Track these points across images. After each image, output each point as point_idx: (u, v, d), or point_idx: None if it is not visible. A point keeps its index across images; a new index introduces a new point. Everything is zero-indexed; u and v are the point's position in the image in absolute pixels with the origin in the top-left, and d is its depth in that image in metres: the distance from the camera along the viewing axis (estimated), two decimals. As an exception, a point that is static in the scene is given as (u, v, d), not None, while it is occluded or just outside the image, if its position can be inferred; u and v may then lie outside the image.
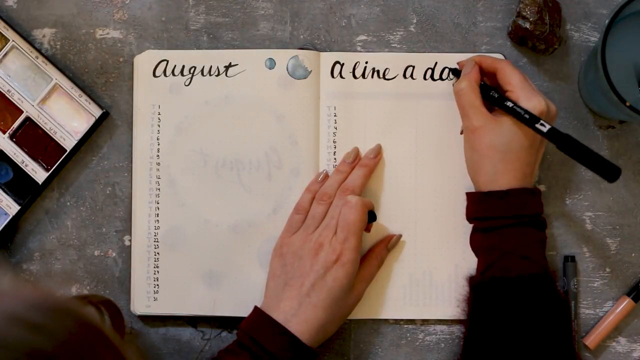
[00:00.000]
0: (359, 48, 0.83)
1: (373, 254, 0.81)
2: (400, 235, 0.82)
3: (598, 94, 0.78)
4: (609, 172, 0.72)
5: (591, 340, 0.82)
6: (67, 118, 0.83)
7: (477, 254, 0.78)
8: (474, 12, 0.83)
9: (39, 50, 0.82)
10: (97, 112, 0.82)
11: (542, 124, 0.73)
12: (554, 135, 0.73)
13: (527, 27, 0.80)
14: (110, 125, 0.84)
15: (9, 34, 0.82)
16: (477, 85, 0.77)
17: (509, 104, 0.74)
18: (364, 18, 0.83)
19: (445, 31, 0.83)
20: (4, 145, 0.82)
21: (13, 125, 0.82)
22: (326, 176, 0.81)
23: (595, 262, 0.83)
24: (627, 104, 0.71)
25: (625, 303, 0.81)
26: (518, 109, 0.74)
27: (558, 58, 0.83)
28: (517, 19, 0.80)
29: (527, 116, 0.73)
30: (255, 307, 0.78)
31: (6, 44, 0.82)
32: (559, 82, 0.83)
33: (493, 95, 0.76)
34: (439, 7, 0.83)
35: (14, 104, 0.82)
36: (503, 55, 0.82)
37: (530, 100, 0.74)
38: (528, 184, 0.76)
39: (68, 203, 0.84)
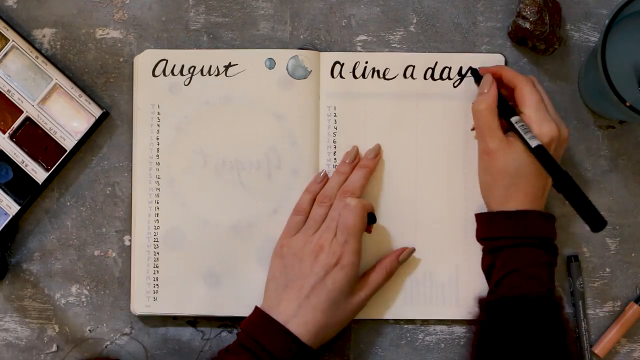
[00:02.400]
0: (359, 48, 0.83)
1: (382, 264, 0.80)
2: (414, 249, 0.81)
3: (598, 94, 0.79)
4: (595, 221, 0.71)
5: (600, 349, 0.82)
6: (67, 118, 0.83)
7: (487, 276, 0.77)
8: (474, 12, 0.83)
9: (39, 50, 0.82)
10: (97, 112, 0.82)
11: (544, 157, 0.73)
12: (553, 170, 0.72)
13: (527, 27, 0.80)
14: (110, 125, 0.84)
15: (9, 34, 0.82)
16: (495, 105, 0.76)
17: (520, 129, 0.74)
18: (364, 18, 0.83)
19: (445, 31, 0.83)
20: (4, 145, 0.82)
21: (13, 125, 0.82)
22: (325, 177, 0.81)
23: (595, 262, 0.83)
24: (627, 104, 0.71)
25: (633, 310, 0.81)
26: (526, 137, 0.74)
27: (558, 58, 0.83)
28: (517, 19, 0.80)
29: (533, 145, 0.73)
30: (256, 308, 0.78)
31: (6, 44, 0.82)
32: (559, 82, 0.83)
33: (508, 118, 0.76)
34: (439, 7, 0.83)
35: (14, 104, 0.82)
36: (503, 55, 0.82)
37: (542, 126, 0.74)
38: (539, 207, 0.76)
39: (68, 203, 0.84)
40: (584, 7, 0.83)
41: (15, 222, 0.83)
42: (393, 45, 0.83)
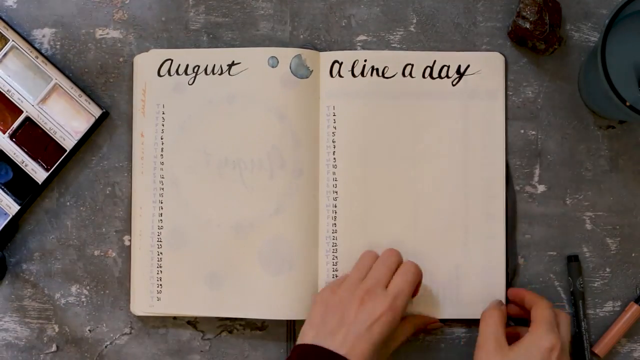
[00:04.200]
0: (359, 48, 0.83)
1: (414, 321, 0.80)
2: (442, 325, 0.82)
3: (598, 94, 0.79)
4: None
5: (600, 349, 0.82)
6: (67, 118, 0.83)
7: None
8: (474, 12, 0.83)
9: (39, 50, 0.82)
10: (97, 112, 0.82)
11: None
12: None
13: (527, 27, 0.80)
14: (110, 125, 0.84)
15: (9, 34, 0.82)
16: (505, 319, 0.78)
17: None
18: (364, 18, 0.83)
19: (445, 31, 0.83)
20: (4, 145, 0.82)
21: (13, 125, 0.82)
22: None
23: (595, 262, 0.83)
24: (627, 104, 0.71)
25: (634, 310, 0.81)
26: None
27: (558, 58, 0.83)
28: (517, 19, 0.80)
29: None
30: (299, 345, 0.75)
31: (6, 44, 0.82)
32: (559, 82, 0.83)
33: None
34: (439, 7, 0.83)
35: (14, 104, 0.82)
36: (503, 55, 0.82)
37: (548, 334, 0.74)
38: None
39: (68, 203, 0.84)
40: (584, 7, 0.83)
41: (15, 222, 0.83)
42: (393, 45, 0.83)
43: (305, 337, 0.75)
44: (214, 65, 0.82)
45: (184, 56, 0.82)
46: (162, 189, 0.82)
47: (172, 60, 0.82)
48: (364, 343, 0.73)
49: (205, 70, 0.82)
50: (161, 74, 0.82)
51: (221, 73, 0.82)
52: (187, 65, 0.82)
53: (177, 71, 0.82)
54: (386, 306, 0.74)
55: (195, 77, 0.82)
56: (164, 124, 0.82)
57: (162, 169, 0.82)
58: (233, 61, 0.82)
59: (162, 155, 0.82)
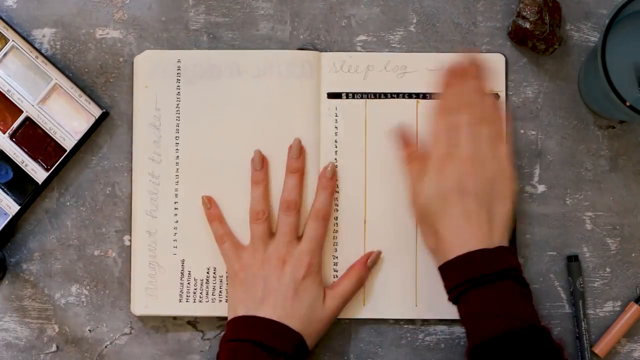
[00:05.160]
0: (359, 48, 0.83)
1: (352, 272, 0.80)
2: (380, 252, 0.81)
3: (598, 94, 0.79)
4: None
5: (600, 349, 0.82)
6: (67, 118, 0.83)
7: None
8: (474, 12, 0.83)
9: (39, 50, 0.82)
10: (97, 112, 0.82)
11: None
12: None
13: (527, 27, 0.80)
14: (110, 125, 0.84)
15: (9, 34, 0.82)
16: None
17: None
18: (364, 18, 0.83)
19: (445, 31, 0.83)
20: (4, 145, 0.82)
21: (13, 125, 0.82)
22: (264, 159, 0.80)
23: (595, 262, 0.83)
24: (627, 104, 0.71)
25: (634, 310, 0.81)
26: None
27: (558, 58, 0.83)
28: (517, 19, 0.80)
29: None
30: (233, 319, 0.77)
31: (6, 44, 0.82)
32: (559, 82, 0.83)
33: None
34: (439, 7, 0.83)
35: (14, 104, 0.82)
36: (503, 55, 0.82)
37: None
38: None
39: (68, 203, 0.84)
40: (584, 7, 0.83)
41: (15, 222, 0.83)
42: (393, 45, 0.83)
43: (237, 313, 0.76)
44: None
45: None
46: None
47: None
48: (297, 307, 0.75)
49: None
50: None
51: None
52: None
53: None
54: (305, 266, 0.76)
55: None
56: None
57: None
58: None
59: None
